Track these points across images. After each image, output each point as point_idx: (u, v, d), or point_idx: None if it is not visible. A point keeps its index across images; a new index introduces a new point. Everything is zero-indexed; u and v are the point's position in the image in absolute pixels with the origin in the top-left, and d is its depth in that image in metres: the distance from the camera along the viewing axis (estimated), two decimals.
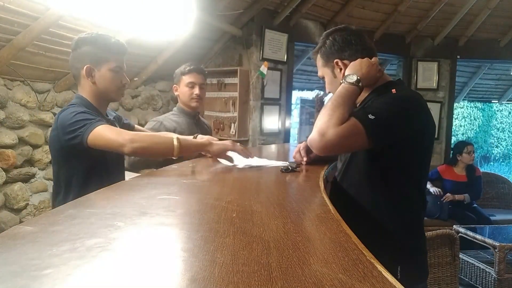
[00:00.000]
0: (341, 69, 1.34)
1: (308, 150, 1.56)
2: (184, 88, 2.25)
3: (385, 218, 1.26)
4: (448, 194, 4.36)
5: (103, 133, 1.38)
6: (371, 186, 1.29)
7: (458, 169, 4.55)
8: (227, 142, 1.53)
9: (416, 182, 1.32)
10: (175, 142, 1.40)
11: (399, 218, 1.27)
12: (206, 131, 2.43)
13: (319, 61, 1.41)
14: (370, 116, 1.13)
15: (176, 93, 2.31)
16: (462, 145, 4.62)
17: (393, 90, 1.26)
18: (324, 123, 1.12)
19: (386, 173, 1.27)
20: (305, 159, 1.54)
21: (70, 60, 1.56)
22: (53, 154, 1.56)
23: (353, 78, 1.22)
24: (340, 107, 1.15)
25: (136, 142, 1.37)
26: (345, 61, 1.33)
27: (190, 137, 1.67)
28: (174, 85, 2.31)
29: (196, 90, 2.23)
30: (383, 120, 1.14)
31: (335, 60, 1.35)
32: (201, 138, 1.66)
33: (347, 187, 1.34)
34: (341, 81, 1.25)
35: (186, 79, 2.24)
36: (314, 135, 1.13)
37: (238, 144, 1.55)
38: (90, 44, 1.52)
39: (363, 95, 1.35)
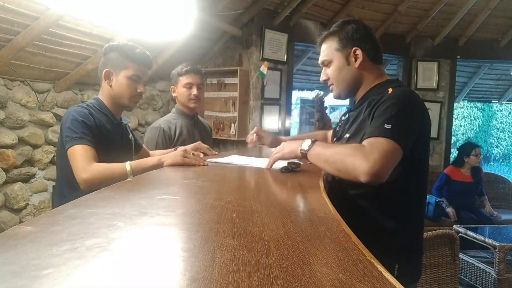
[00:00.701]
0: (356, 58, 1.33)
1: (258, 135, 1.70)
2: (181, 89, 2.24)
3: (386, 218, 1.26)
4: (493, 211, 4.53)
5: (74, 155, 1.48)
6: (373, 186, 1.28)
7: (464, 169, 4.57)
8: (177, 156, 1.49)
9: (418, 181, 1.31)
10: (128, 168, 1.48)
11: (400, 218, 1.27)
12: (206, 131, 2.43)
13: (333, 44, 1.36)
14: (387, 126, 1.13)
15: (173, 95, 2.30)
16: (470, 147, 4.60)
17: (389, 89, 1.25)
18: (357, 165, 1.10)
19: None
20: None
21: (99, 65, 1.68)
22: (57, 148, 1.64)
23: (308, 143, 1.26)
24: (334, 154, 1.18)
25: (90, 182, 1.44)
26: (364, 52, 1.33)
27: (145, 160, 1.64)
28: (172, 86, 2.29)
29: (194, 91, 2.22)
30: (399, 124, 1.14)
31: (355, 48, 1.32)
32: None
33: (346, 187, 1.33)
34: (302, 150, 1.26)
35: (183, 80, 2.23)
36: (363, 178, 1.10)
37: (191, 153, 1.53)
38: (115, 51, 1.63)
39: (361, 92, 1.35)
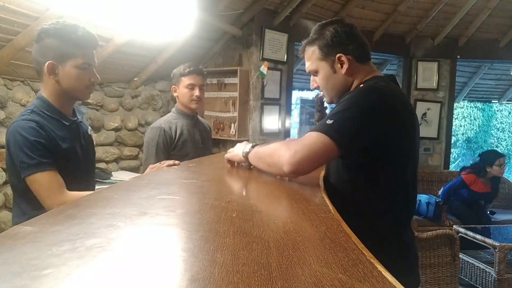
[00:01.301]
0: (342, 65, 1.25)
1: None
2: (183, 90, 2.22)
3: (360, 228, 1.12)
4: None
5: (40, 186, 1.32)
6: (341, 197, 1.16)
7: (484, 179, 4.28)
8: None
9: (395, 191, 1.21)
10: None
11: (373, 228, 1.13)
12: (206, 131, 2.43)
13: (315, 54, 1.29)
14: (328, 121, 1.11)
15: (175, 94, 2.29)
16: (494, 156, 4.22)
17: (361, 85, 1.21)
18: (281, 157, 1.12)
19: (353, 182, 1.20)
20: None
21: (32, 54, 1.40)
22: (7, 167, 1.43)
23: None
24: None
25: None
26: (349, 56, 1.24)
27: None
28: (173, 86, 2.28)
29: (196, 92, 2.21)
30: (341, 120, 1.10)
31: (338, 55, 1.24)
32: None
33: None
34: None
35: (186, 80, 2.21)
36: (285, 168, 1.12)
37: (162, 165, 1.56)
38: (54, 37, 1.35)
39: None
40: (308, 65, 1.34)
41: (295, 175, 1.13)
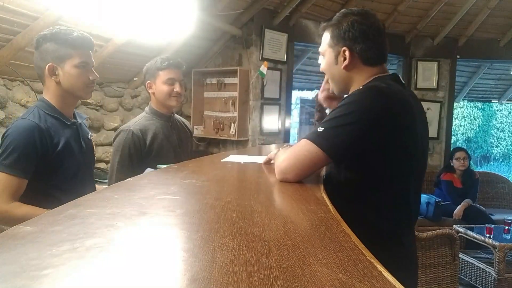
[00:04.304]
0: (345, 59, 1.23)
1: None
2: (161, 86, 1.95)
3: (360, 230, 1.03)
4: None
5: None
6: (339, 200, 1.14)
7: (456, 174, 4.53)
8: None
9: (395, 193, 1.20)
10: None
11: (372, 229, 1.11)
12: (184, 132, 2.18)
13: (327, 38, 1.28)
14: (319, 129, 1.12)
15: (150, 91, 2.00)
16: (454, 151, 4.65)
17: (361, 87, 1.20)
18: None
19: (350, 185, 1.20)
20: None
21: (34, 61, 1.48)
22: None
23: None
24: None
25: (7, 218, 1.31)
26: (354, 54, 1.22)
27: None
28: (148, 82, 1.99)
29: (177, 87, 1.96)
30: (331, 128, 1.11)
31: (344, 48, 1.22)
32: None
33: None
34: None
35: (165, 75, 1.94)
36: (276, 177, 1.19)
37: None
38: (51, 41, 1.43)
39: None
40: (320, 47, 1.33)
41: (285, 181, 1.16)
